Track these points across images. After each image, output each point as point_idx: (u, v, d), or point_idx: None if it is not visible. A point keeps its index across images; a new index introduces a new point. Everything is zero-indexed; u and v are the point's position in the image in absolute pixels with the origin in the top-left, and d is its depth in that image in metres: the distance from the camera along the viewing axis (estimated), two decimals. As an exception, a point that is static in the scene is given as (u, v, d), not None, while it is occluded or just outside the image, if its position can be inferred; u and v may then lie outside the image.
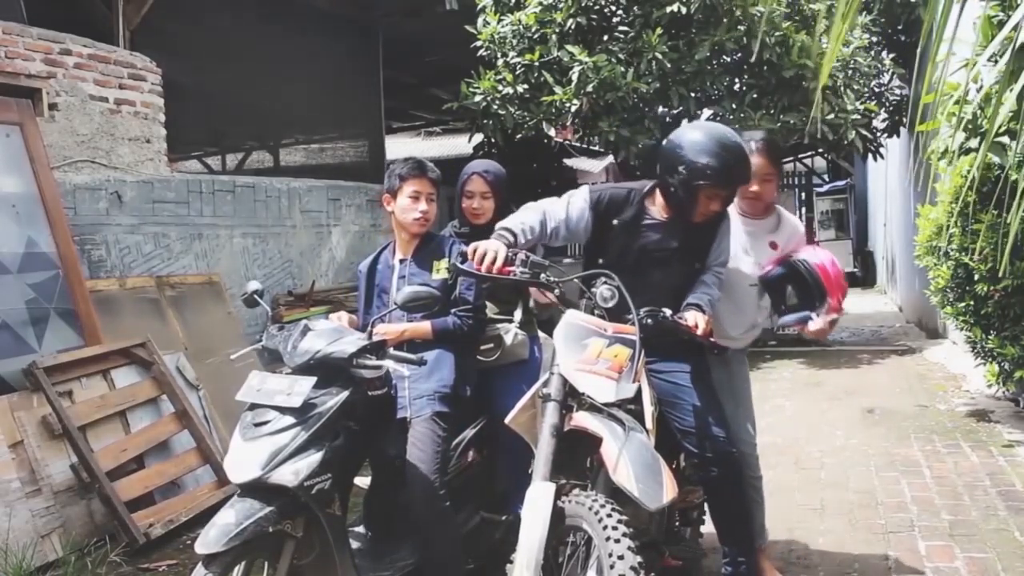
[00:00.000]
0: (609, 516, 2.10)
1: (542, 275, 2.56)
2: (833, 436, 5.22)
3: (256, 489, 2.35)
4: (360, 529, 2.93)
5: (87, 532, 3.78)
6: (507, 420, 2.54)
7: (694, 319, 2.57)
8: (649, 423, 2.42)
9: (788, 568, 3.28)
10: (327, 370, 2.48)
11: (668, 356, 2.74)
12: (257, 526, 2.27)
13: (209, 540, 2.20)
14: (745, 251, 3.02)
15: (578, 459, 2.44)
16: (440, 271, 2.99)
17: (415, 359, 2.62)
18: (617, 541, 2.03)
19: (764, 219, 3.05)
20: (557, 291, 2.58)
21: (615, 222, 2.79)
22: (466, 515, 3.04)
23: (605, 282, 2.53)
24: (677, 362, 2.76)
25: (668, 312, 2.56)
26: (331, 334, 2.56)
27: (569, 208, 2.77)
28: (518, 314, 3.30)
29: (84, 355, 4.16)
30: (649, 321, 2.52)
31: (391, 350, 2.64)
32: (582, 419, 2.35)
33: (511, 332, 3.19)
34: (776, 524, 3.71)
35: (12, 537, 3.47)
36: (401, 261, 3.05)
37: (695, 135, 2.66)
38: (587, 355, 2.39)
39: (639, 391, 2.45)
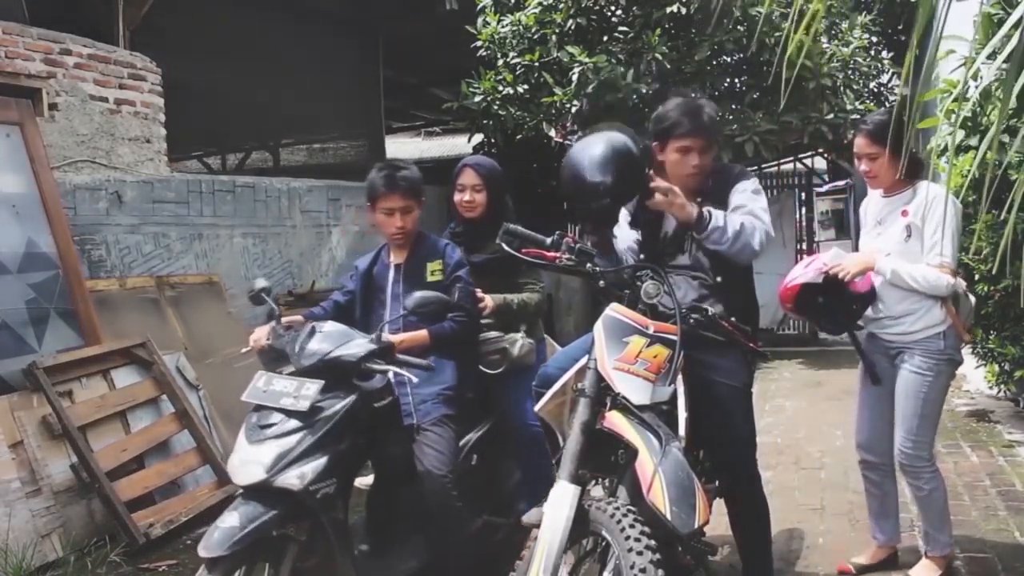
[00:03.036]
0: (632, 527, 2.07)
1: (588, 264, 2.53)
2: (833, 436, 5.21)
3: (260, 491, 2.33)
4: (362, 532, 2.91)
5: (87, 532, 3.78)
6: (536, 408, 2.54)
7: (672, 194, 2.54)
8: (682, 430, 2.40)
9: (788, 568, 3.28)
10: (334, 373, 2.46)
11: (714, 352, 2.67)
12: (261, 530, 2.25)
13: (212, 543, 2.18)
14: (878, 222, 3.07)
15: (603, 452, 2.40)
16: (434, 274, 2.96)
17: (423, 364, 2.61)
18: (640, 554, 2.02)
19: (901, 193, 3.02)
20: (602, 282, 2.55)
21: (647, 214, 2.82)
22: (469, 518, 3.03)
23: (652, 277, 2.48)
24: (720, 359, 2.69)
25: (711, 310, 2.56)
26: (339, 336, 2.54)
27: (621, 222, 2.84)
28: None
29: (84, 355, 4.16)
30: (692, 320, 2.51)
31: (390, 344, 2.63)
32: (617, 423, 2.31)
33: (518, 343, 3.16)
34: (776, 524, 3.71)
35: (12, 537, 3.47)
36: (396, 266, 3.02)
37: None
38: (626, 353, 2.36)
39: (674, 394, 2.43)
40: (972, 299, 3.04)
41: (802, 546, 3.50)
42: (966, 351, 5.30)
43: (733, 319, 2.64)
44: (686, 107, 2.78)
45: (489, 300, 3.13)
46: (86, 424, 3.95)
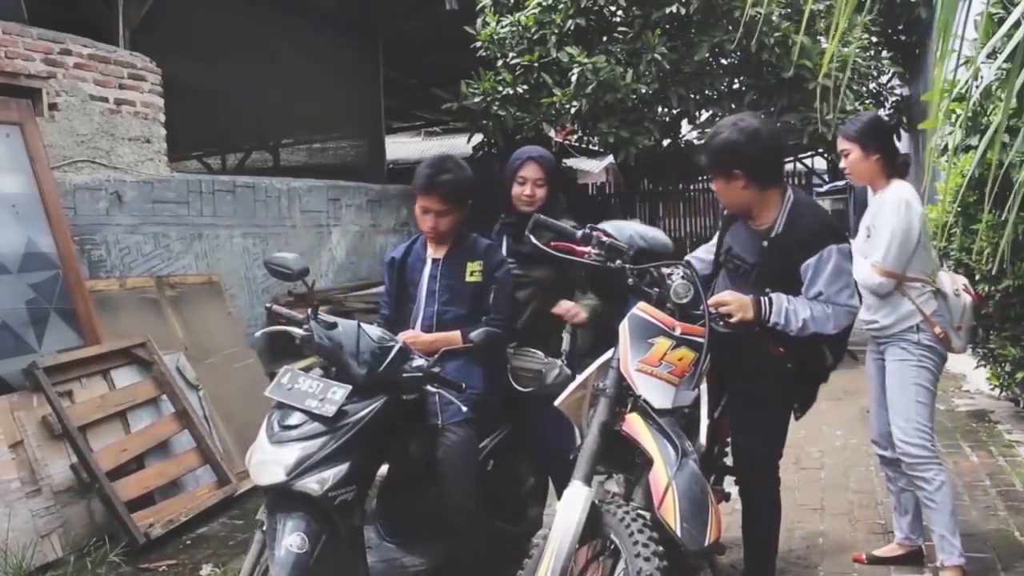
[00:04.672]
0: (641, 532, 2.07)
1: (617, 260, 2.47)
2: (833, 436, 5.21)
3: (279, 493, 2.31)
4: (371, 532, 2.86)
5: (87, 532, 3.78)
6: (556, 403, 2.50)
7: (721, 299, 2.45)
8: (702, 437, 2.37)
9: (788, 568, 3.27)
10: (380, 383, 2.44)
11: (752, 364, 2.64)
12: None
13: (290, 570, 2.22)
14: (862, 221, 3.14)
15: (623, 449, 2.37)
16: (474, 274, 2.89)
17: (458, 386, 2.58)
18: (647, 560, 2.02)
19: (880, 192, 3.05)
20: (631, 280, 2.49)
21: (725, 212, 2.82)
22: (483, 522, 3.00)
23: (683, 276, 2.41)
24: (757, 375, 2.65)
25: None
26: (387, 342, 2.51)
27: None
28: (566, 341, 3.09)
29: (84, 355, 4.16)
30: (721, 323, 2.44)
31: (437, 372, 2.58)
32: (636, 427, 2.28)
33: (555, 370, 2.96)
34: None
35: (12, 537, 3.46)
36: (434, 260, 2.95)
37: None
38: (651, 355, 2.32)
39: (697, 397, 2.41)
40: (967, 298, 3.03)
41: (802, 546, 3.49)
42: (967, 351, 5.31)
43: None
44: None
45: (582, 312, 3.00)
46: (86, 424, 3.94)
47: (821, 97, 7.35)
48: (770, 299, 2.47)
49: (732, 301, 2.45)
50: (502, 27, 7.70)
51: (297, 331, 2.59)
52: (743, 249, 2.68)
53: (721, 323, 2.45)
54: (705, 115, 8.23)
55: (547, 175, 3.09)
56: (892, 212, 2.93)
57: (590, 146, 10.83)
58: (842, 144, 3.11)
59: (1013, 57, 1.51)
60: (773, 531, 2.82)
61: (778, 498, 2.81)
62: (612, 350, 2.42)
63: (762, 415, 2.68)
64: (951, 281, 3.05)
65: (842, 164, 3.16)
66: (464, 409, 2.70)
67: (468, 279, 2.88)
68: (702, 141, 7.69)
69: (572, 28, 7.49)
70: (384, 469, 2.93)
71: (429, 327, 2.88)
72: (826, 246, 2.51)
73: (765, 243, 2.60)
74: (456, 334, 2.84)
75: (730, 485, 3.34)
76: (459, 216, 2.90)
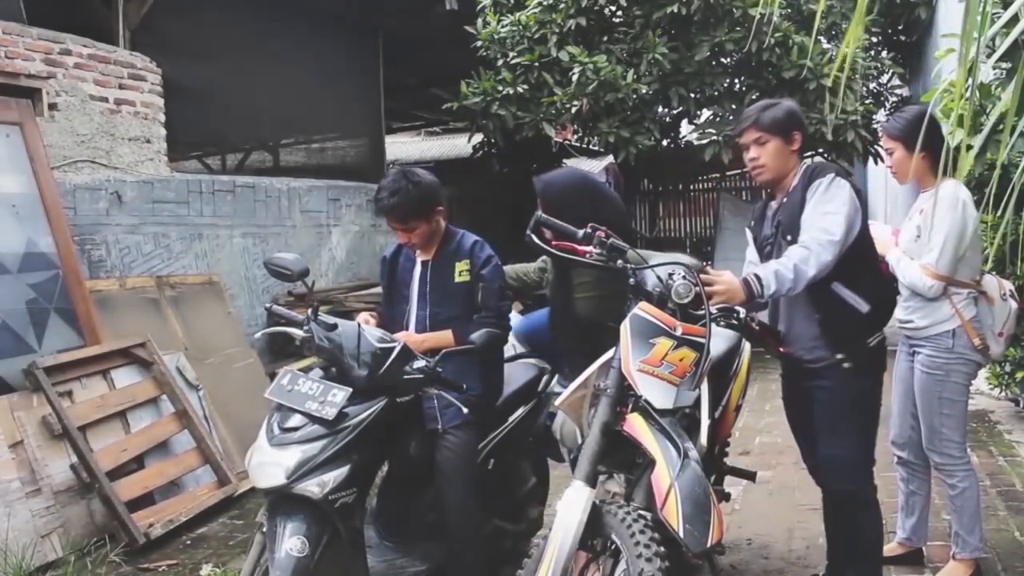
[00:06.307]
0: (643, 533, 2.07)
1: (618, 260, 2.46)
2: (833, 436, 5.21)
3: (279, 496, 2.32)
4: (370, 532, 2.86)
5: (87, 532, 3.78)
6: (557, 403, 2.50)
7: (710, 281, 2.40)
8: (703, 437, 2.37)
9: (788, 568, 3.28)
10: (380, 385, 2.44)
11: (812, 363, 2.65)
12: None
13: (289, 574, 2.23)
14: (909, 218, 3.09)
15: (624, 450, 2.36)
16: (462, 274, 2.88)
17: (459, 386, 2.58)
18: (649, 560, 2.02)
19: (928, 190, 3.01)
20: (632, 280, 2.47)
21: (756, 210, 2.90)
22: (482, 523, 3.00)
23: (684, 276, 2.38)
24: (817, 375, 2.66)
25: (743, 312, 2.51)
26: (388, 343, 2.51)
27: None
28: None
29: (84, 355, 4.16)
30: (722, 322, 2.45)
31: (439, 372, 2.57)
32: (637, 428, 2.28)
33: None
34: (776, 524, 3.72)
35: (12, 537, 3.47)
36: (423, 263, 2.93)
37: None
38: (652, 355, 2.30)
39: (698, 397, 2.40)
40: (1012, 304, 2.97)
41: (802, 546, 3.49)
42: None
43: (763, 322, 2.62)
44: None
45: None
46: (86, 424, 3.95)
47: (822, 97, 7.36)
48: (756, 274, 2.43)
49: (722, 289, 2.38)
50: (502, 27, 7.69)
51: (297, 332, 2.58)
52: (770, 222, 2.74)
53: (720, 321, 2.46)
54: (705, 115, 8.22)
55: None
56: (947, 213, 2.82)
57: (590, 146, 10.83)
58: (887, 143, 3.03)
59: (1011, 55, 1.51)
60: (870, 535, 2.75)
61: (867, 501, 2.73)
62: (613, 350, 2.42)
63: (825, 424, 2.68)
64: (998, 285, 2.98)
65: (887, 163, 3.09)
66: (464, 411, 2.67)
67: (457, 279, 2.87)
68: (703, 141, 7.69)
69: (573, 28, 7.48)
70: (384, 468, 2.94)
71: (423, 329, 2.88)
72: (827, 174, 2.58)
73: (785, 198, 2.67)
74: (447, 333, 2.83)
75: (731, 485, 3.35)
76: (428, 226, 2.85)
